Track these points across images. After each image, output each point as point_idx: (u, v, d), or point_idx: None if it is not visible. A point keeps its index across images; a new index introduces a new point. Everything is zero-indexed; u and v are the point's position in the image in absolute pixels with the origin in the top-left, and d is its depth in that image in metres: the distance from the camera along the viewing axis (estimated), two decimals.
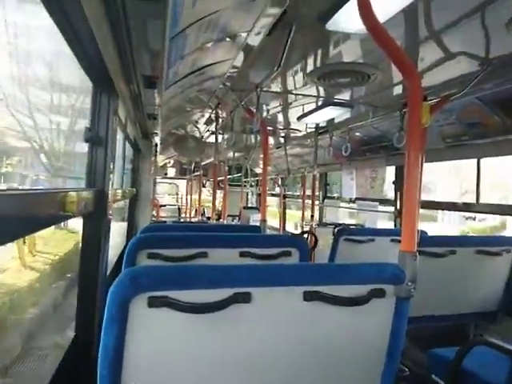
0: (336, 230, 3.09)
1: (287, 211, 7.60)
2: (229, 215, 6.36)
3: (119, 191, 2.47)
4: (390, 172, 3.89)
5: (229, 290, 0.97)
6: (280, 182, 7.24)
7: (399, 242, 1.16)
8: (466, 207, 2.92)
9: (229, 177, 6.55)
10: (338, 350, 1.11)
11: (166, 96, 2.19)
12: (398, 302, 1.11)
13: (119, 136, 2.97)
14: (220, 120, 3.35)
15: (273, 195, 7.73)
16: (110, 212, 1.60)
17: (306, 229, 4.38)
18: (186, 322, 0.96)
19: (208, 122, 3.58)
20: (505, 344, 1.49)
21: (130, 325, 0.91)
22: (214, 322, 0.98)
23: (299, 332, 1.07)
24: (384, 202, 3.99)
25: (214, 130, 3.52)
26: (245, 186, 7.71)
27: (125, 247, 1.75)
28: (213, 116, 3.31)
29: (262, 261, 1.74)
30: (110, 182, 1.58)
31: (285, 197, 7.08)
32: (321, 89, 2.73)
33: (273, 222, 6.98)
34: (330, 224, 4.42)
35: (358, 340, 1.12)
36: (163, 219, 6.23)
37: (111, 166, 1.59)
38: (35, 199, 0.88)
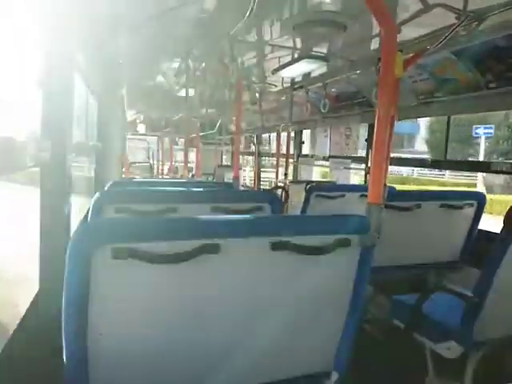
0: (308, 186, 3.12)
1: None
2: (203, 174, 6.30)
3: (82, 143, 2.35)
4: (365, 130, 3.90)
5: (197, 242, 0.95)
6: (255, 140, 7.16)
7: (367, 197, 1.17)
8: (434, 164, 3.00)
9: (202, 134, 6.39)
10: (304, 297, 1.14)
11: (131, 41, 2.04)
12: (362, 251, 1.14)
13: (81, 86, 2.78)
14: (191, 72, 3.19)
15: (248, 154, 7.66)
16: (70, 164, 1.51)
17: (280, 185, 4.40)
18: (152, 274, 0.94)
19: (178, 74, 3.40)
20: (460, 289, 1.59)
21: (93, 278, 0.89)
22: (181, 274, 0.97)
23: (266, 281, 1.08)
24: (357, 159, 4.03)
25: (184, 82, 3.36)
26: (219, 144, 7.59)
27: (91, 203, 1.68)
28: (183, 67, 3.14)
29: (234, 215, 1.73)
30: (69, 133, 1.49)
31: (260, 155, 7.04)
32: (297, 41, 2.62)
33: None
34: (303, 181, 4.45)
35: (324, 288, 1.16)
36: (133, 177, 6.09)
37: (69, 116, 1.49)
38: None
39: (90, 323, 0.92)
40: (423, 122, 20.98)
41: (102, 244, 0.87)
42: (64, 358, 0.93)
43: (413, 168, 18.18)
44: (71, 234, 1.63)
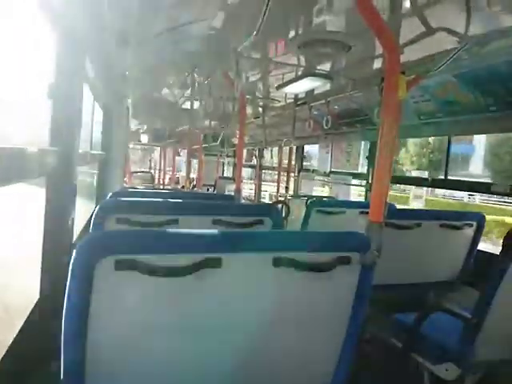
0: (308, 201, 3.14)
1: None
2: (204, 185, 6.31)
3: (87, 153, 2.38)
4: (366, 147, 3.94)
5: (199, 256, 0.96)
6: (257, 153, 7.20)
7: (367, 214, 1.18)
8: (434, 183, 3.02)
9: (205, 146, 6.43)
10: (304, 314, 1.14)
11: (138, 55, 2.08)
12: (362, 269, 1.15)
13: (89, 97, 2.83)
14: (196, 85, 3.24)
15: (250, 166, 7.69)
16: (76, 173, 1.53)
17: (281, 200, 4.42)
18: (154, 287, 0.95)
19: (183, 87, 3.46)
20: (458, 310, 1.59)
21: (95, 288, 0.90)
22: (183, 287, 0.97)
23: (268, 297, 1.09)
24: (357, 175, 4.06)
25: (189, 95, 3.41)
26: (221, 155, 7.63)
27: (93, 212, 1.69)
28: (188, 80, 3.19)
29: (235, 229, 1.73)
30: (76, 143, 1.51)
31: (261, 168, 7.08)
32: (301, 58, 2.68)
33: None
34: (303, 196, 4.47)
35: (323, 305, 1.16)
36: (135, 186, 6.10)
37: (77, 126, 1.51)
38: None
39: (90, 334, 0.93)
40: (480, 141, 18.56)
41: (106, 255, 0.88)
42: (62, 368, 0.93)
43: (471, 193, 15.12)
44: (73, 242, 1.64)
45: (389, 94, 1.17)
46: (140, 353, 1.01)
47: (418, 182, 3.14)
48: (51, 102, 1.43)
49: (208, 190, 7.14)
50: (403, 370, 1.96)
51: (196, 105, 3.57)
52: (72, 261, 0.88)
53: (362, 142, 3.94)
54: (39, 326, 1.35)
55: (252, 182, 7.38)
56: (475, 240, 2.37)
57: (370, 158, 3.78)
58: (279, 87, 3.37)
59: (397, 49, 1.19)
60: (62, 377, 0.94)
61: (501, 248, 1.49)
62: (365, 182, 3.81)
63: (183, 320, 1.02)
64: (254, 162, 7.22)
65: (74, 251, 0.88)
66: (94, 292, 0.89)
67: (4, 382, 1.09)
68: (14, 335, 1.23)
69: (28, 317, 1.36)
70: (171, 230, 1.59)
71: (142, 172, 8.54)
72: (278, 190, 4.64)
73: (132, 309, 0.96)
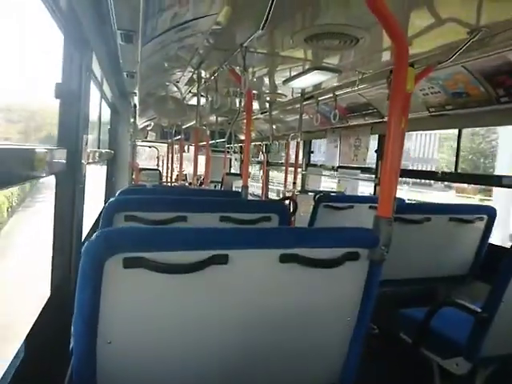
0: (316, 196, 3.12)
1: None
2: (211, 181, 6.32)
3: (95, 152, 2.39)
4: (375, 141, 3.90)
5: (206, 252, 0.96)
6: (264, 149, 7.18)
7: (376, 208, 1.17)
8: (444, 176, 2.98)
9: (212, 142, 6.43)
10: (311, 310, 1.14)
11: (145, 52, 2.08)
12: (371, 264, 1.14)
13: (95, 94, 2.84)
14: (203, 81, 3.23)
15: (257, 162, 7.67)
16: (84, 172, 1.54)
17: (288, 196, 4.40)
18: (162, 283, 0.95)
19: (190, 83, 3.45)
20: (469, 304, 1.57)
21: (104, 285, 0.90)
22: (190, 284, 0.98)
23: (275, 293, 1.09)
24: (366, 170, 4.02)
25: (195, 91, 3.40)
26: (228, 152, 7.62)
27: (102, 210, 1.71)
28: (195, 76, 3.18)
29: (242, 225, 1.73)
30: (84, 142, 1.52)
31: (268, 164, 7.06)
32: (308, 52, 2.65)
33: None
34: (311, 191, 4.45)
35: (331, 300, 1.16)
36: (143, 183, 6.13)
37: (85, 125, 1.52)
38: None
39: (100, 331, 0.94)
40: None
41: (114, 253, 0.89)
42: (72, 363, 0.95)
43: None
44: (82, 240, 1.66)
45: (397, 87, 1.15)
46: (149, 349, 1.01)
47: (428, 175, 3.09)
48: (59, 101, 1.44)
49: (215, 186, 7.15)
50: (412, 364, 1.95)
51: (202, 101, 3.57)
52: (82, 258, 0.88)
53: (371, 136, 3.89)
54: (51, 323, 1.37)
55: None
56: (486, 233, 2.34)
57: (379, 152, 3.74)
58: (286, 81, 3.34)
59: (405, 41, 1.17)
60: (73, 373, 0.96)
61: None
62: (373, 176, 3.78)
63: (192, 316, 1.02)
64: (261, 157, 7.21)
65: (83, 250, 0.89)
66: (104, 290, 0.90)
67: (21, 377, 1.10)
68: (27, 332, 1.25)
69: (40, 314, 1.38)
70: (179, 227, 1.61)
71: (150, 169, 8.58)
72: (285, 185, 4.62)
73: (141, 306, 0.97)
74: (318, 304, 1.14)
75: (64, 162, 1.36)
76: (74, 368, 0.95)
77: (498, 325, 1.51)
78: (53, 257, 1.50)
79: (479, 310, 1.52)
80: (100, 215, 1.68)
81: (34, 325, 1.30)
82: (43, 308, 1.41)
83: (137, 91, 3.06)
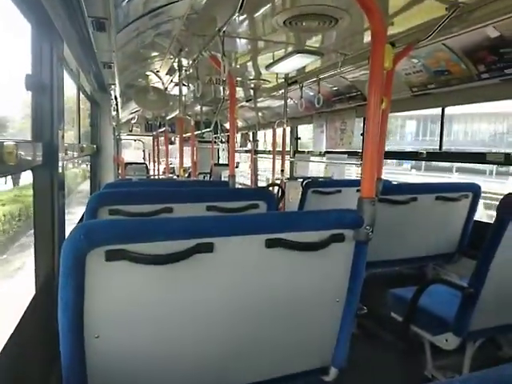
0: (304, 182, 3.12)
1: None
2: (200, 173, 6.26)
3: (75, 145, 2.34)
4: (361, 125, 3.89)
5: (191, 241, 0.95)
6: (251, 137, 7.13)
7: None
8: (429, 156, 2.99)
9: (198, 132, 6.35)
10: (300, 293, 1.14)
11: (120, 40, 2.02)
12: (357, 245, 1.14)
13: (72, 88, 2.76)
14: (183, 69, 3.16)
15: (245, 151, 7.63)
16: (60, 165, 1.50)
17: (276, 183, 4.39)
18: (146, 275, 0.94)
19: (171, 72, 3.38)
20: (457, 280, 1.59)
21: (87, 280, 0.88)
22: (176, 274, 0.96)
23: (262, 279, 1.08)
24: (352, 154, 4.02)
25: (177, 80, 3.34)
26: (215, 142, 7.55)
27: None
28: (175, 65, 3.12)
29: (229, 214, 1.72)
30: (60, 135, 1.47)
31: (256, 152, 7.02)
32: (290, 36, 2.61)
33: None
34: (299, 177, 4.44)
35: (319, 283, 1.15)
36: (129, 177, 6.06)
37: (60, 118, 1.47)
38: None
39: (86, 325, 0.92)
40: None
41: (95, 246, 0.87)
42: (61, 360, 0.93)
43: None
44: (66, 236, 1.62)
45: (375, 66, 1.13)
46: (138, 341, 1.00)
47: (413, 156, 3.10)
48: (30, 94, 1.39)
49: (204, 177, 7.10)
50: (404, 343, 1.98)
51: (185, 90, 3.51)
52: (62, 253, 0.86)
53: (356, 120, 3.88)
54: (36, 322, 1.35)
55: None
56: (472, 210, 2.37)
57: (364, 135, 3.73)
58: (269, 66, 3.30)
59: (381, 19, 1.15)
60: (63, 370, 0.94)
61: (495, 217, 1.48)
62: (360, 159, 3.78)
63: (179, 306, 1.01)
64: (249, 146, 7.16)
65: (64, 243, 0.86)
66: (87, 284, 0.89)
67: (2, 377, 1.08)
68: (11, 332, 1.23)
69: (24, 313, 1.35)
70: (160, 217, 1.58)
71: (136, 163, 8.47)
72: (273, 173, 4.60)
73: (126, 299, 0.95)
74: (306, 287, 1.14)
75: (40, 156, 1.32)
76: (63, 365, 0.94)
77: (484, 299, 1.53)
78: (35, 254, 1.46)
79: (466, 286, 1.54)
80: (84, 211, 1.65)
81: (18, 324, 1.27)
82: (27, 307, 1.38)
83: (116, 83, 2.98)
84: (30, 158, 1.20)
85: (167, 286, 0.98)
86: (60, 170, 1.49)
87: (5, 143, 0.97)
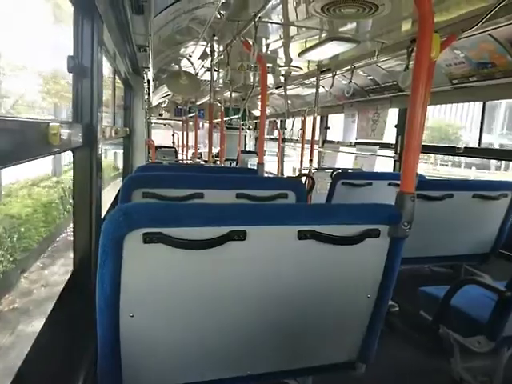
0: (334, 173, 3.07)
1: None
2: (226, 159, 6.28)
3: (111, 128, 2.38)
4: (392, 116, 3.77)
5: (224, 229, 0.95)
6: (279, 125, 7.07)
7: (397, 185, 1.13)
8: (467, 152, 2.87)
9: (226, 119, 6.35)
10: (331, 286, 1.13)
11: (156, 24, 2.02)
12: (392, 241, 1.11)
13: (109, 70, 2.81)
14: (216, 55, 3.15)
15: (272, 139, 7.58)
16: (100, 147, 1.54)
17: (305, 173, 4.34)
18: (181, 259, 0.95)
19: (203, 57, 3.38)
20: (492, 282, 1.53)
21: (125, 260, 0.91)
22: (208, 259, 0.98)
23: (293, 270, 1.08)
24: (384, 146, 3.92)
25: (209, 65, 3.33)
26: (243, 129, 7.55)
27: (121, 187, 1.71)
28: (208, 50, 3.11)
29: (259, 202, 1.72)
30: (100, 117, 1.50)
31: (284, 140, 6.96)
32: (325, 21, 2.54)
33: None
34: (328, 168, 4.38)
35: (351, 278, 1.14)
36: (159, 161, 6.16)
37: (99, 100, 1.50)
38: (12, 127, 0.83)
39: (122, 303, 0.95)
40: None
41: (134, 228, 0.88)
42: (97, 335, 0.97)
43: None
44: (103, 216, 1.68)
45: (421, 56, 1.08)
46: (170, 322, 1.03)
47: (451, 150, 2.98)
48: (72, 75, 1.42)
49: (230, 164, 7.13)
50: (432, 342, 1.94)
51: (216, 76, 3.49)
52: (101, 235, 0.88)
53: (389, 111, 3.76)
54: (73, 298, 1.40)
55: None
56: (510, 211, 2.26)
57: (399, 127, 3.62)
58: (302, 53, 3.23)
59: (430, 8, 1.09)
60: (98, 347, 0.98)
61: None
62: (393, 152, 3.67)
63: (210, 291, 1.03)
64: (276, 134, 7.11)
65: (103, 225, 0.89)
66: (124, 265, 0.91)
67: (45, 347, 1.14)
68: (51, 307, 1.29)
69: (62, 290, 1.41)
70: (197, 203, 1.60)
71: (166, 147, 8.60)
72: (301, 163, 4.55)
73: (161, 280, 0.97)
74: (338, 281, 1.13)
75: (80, 137, 1.35)
76: (99, 342, 0.97)
77: None
78: (74, 233, 1.52)
79: (502, 289, 1.48)
80: (119, 192, 1.69)
81: (57, 300, 1.33)
82: (66, 284, 1.44)
83: (150, 66, 3.01)
84: (71, 139, 1.24)
85: (200, 271, 0.99)
86: (99, 152, 1.52)
87: (50, 124, 1.00)
